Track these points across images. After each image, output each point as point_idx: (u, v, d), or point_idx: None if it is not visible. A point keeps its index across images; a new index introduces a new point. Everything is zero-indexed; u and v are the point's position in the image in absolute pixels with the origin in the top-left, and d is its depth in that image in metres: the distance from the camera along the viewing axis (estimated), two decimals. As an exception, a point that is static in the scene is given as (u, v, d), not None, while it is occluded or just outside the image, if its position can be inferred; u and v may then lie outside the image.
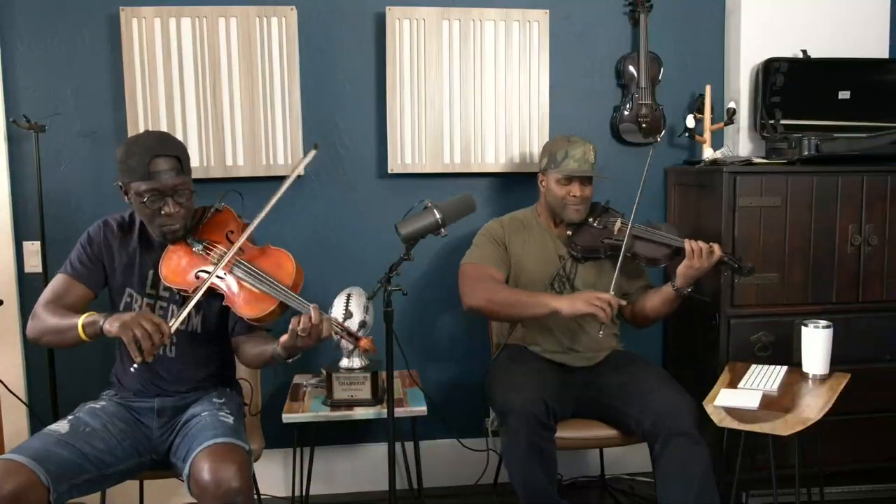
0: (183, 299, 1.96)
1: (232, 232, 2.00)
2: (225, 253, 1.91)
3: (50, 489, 1.67)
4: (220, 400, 2.02)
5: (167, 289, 1.98)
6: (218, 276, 1.89)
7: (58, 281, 1.98)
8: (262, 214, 1.93)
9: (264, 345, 1.93)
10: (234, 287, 1.90)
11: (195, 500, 1.76)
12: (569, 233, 2.43)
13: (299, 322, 1.75)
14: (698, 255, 2.24)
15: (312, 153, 2.01)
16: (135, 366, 1.74)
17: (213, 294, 1.91)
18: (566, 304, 2.19)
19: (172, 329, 1.76)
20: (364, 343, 1.86)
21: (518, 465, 2.11)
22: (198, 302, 1.87)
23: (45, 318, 1.88)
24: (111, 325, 1.74)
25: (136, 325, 1.69)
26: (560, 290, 2.41)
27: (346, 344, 1.81)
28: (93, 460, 1.80)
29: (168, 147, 1.89)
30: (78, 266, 1.98)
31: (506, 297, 2.31)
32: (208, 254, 1.94)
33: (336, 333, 1.82)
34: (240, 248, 1.93)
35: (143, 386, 1.99)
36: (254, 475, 2.01)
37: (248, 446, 1.85)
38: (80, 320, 1.78)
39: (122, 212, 2.07)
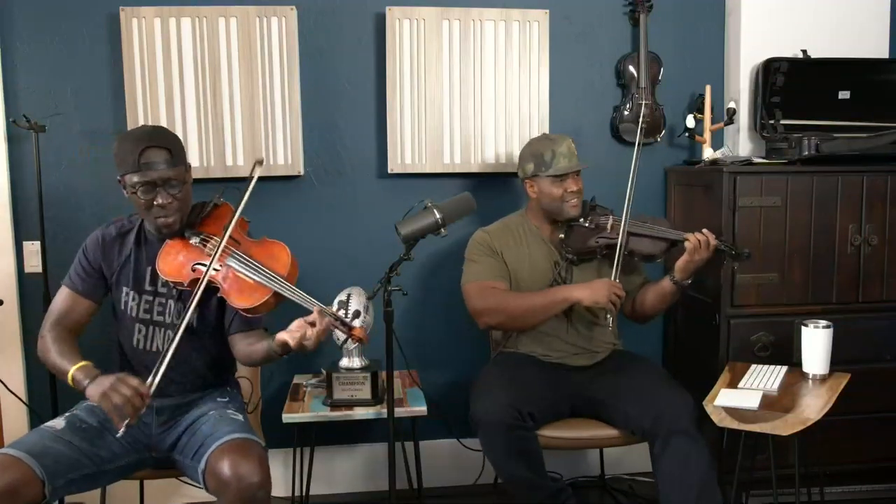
0: (179, 294, 1.96)
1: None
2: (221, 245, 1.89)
3: (45, 483, 1.68)
4: (224, 399, 2.04)
5: (165, 284, 1.97)
6: (214, 269, 1.87)
7: (61, 296, 2.00)
8: (243, 202, 1.92)
9: (259, 341, 1.92)
10: (229, 278, 1.88)
11: (212, 497, 1.76)
12: (561, 236, 2.40)
13: (305, 333, 1.73)
14: (696, 247, 2.24)
15: (257, 174, 1.96)
16: (121, 431, 1.70)
17: (209, 289, 1.90)
18: (587, 295, 2.22)
19: (152, 389, 1.74)
20: (357, 332, 1.79)
21: (498, 466, 2.20)
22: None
23: (49, 348, 1.91)
24: (93, 392, 1.74)
25: (114, 392, 1.69)
26: None
27: (339, 334, 1.77)
28: (89, 456, 1.81)
29: (159, 139, 1.88)
30: (77, 279, 2.00)
31: (519, 304, 2.30)
32: (205, 245, 1.93)
33: (331, 325, 1.77)
34: (235, 240, 1.93)
35: None
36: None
37: (263, 442, 1.86)
38: (71, 372, 1.82)
39: (123, 217, 2.08)
